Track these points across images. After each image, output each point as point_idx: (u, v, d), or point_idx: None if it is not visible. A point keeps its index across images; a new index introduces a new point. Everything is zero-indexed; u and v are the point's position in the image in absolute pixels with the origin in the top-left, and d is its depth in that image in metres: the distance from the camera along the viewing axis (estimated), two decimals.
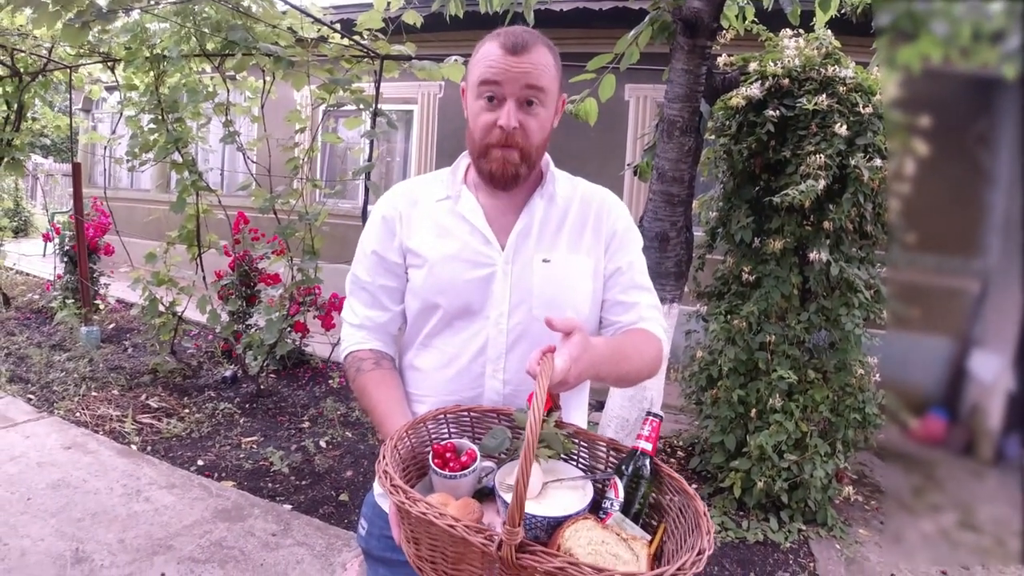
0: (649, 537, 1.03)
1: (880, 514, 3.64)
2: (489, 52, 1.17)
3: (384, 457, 1.00)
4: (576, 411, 1.38)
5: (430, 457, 1.10)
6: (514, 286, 1.23)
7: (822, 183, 3.04)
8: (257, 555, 2.78)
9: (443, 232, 1.26)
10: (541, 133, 1.21)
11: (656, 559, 1.03)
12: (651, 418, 1.14)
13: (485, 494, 1.11)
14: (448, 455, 1.10)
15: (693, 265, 3.38)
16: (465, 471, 1.07)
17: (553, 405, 1.18)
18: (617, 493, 1.07)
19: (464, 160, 1.32)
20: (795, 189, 3.04)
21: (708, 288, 3.79)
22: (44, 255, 9.19)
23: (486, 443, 1.15)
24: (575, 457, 1.23)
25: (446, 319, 1.26)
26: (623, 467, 1.10)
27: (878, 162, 3.08)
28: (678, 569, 0.84)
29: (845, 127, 3.09)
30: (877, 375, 3.42)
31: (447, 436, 1.23)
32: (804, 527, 3.39)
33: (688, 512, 1.03)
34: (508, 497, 1.01)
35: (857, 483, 3.81)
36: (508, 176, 1.21)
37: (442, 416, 1.22)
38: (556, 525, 0.98)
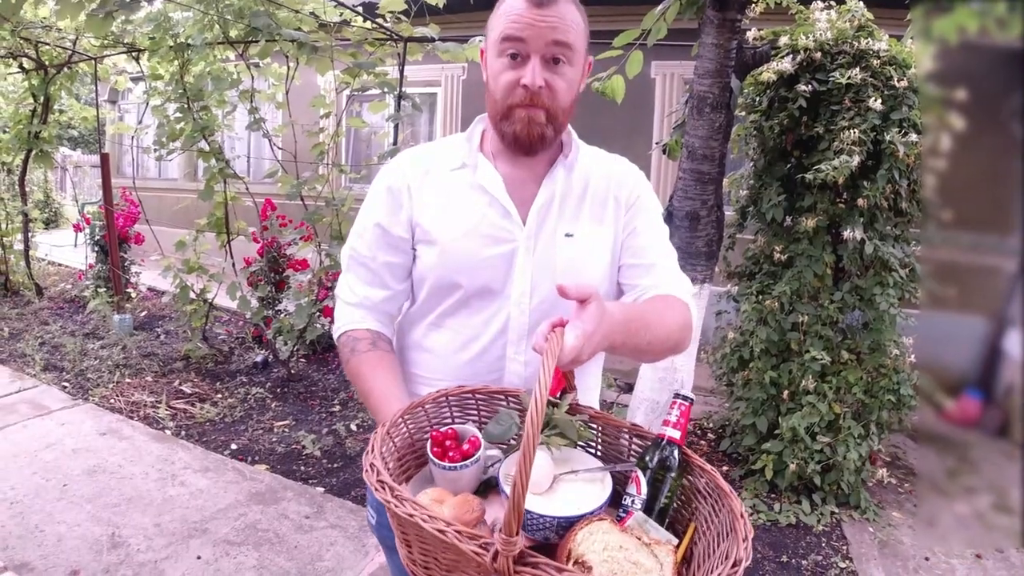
0: (676, 541, 0.93)
1: (914, 497, 3.58)
2: (512, 6, 1.08)
3: (372, 448, 0.90)
4: (590, 390, 1.31)
5: (428, 446, 1.01)
6: (537, 263, 1.15)
7: (856, 159, 2.96)
8: (291, 537, 2.81)
9: (458, 205, 1.17)
10: (568, 94, 1.11)
11: (685, 564, 0.93)
12: (679, 401, 1.01)
13: (492, 486, 1.03)
14: (448, 443, 1.01)
15: (723, 244, 3.33)
16: (466, 461, 0.98)
17: (567, 386, 1.09)
18: (639, 488, 0.97)
19: (479, 126, 1.23)
20: (828, 165, 2.97)
21: (739, 268, 3.73)
22: (75, 245, 9.34)
23: (490, 430, 1.05)
24: (593, 445, 1.13)
25: (463, 299, 1.17)
26: (646, 458, 0.99)
27: (913, 137, 2.99)
28: None
29: (879, 101, 3.00)
30: (912, 355, 3.35)
31: (449, 421, 1.13)
32: (837, 510, 3.34)
33: (722, 511, 0.92)
34: None
35: (890, 465, 3.75)
36: (534, 137, 1.11)
37: (443, 398, 1.11)
38: (568, 526, 0.89)
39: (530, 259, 1.16)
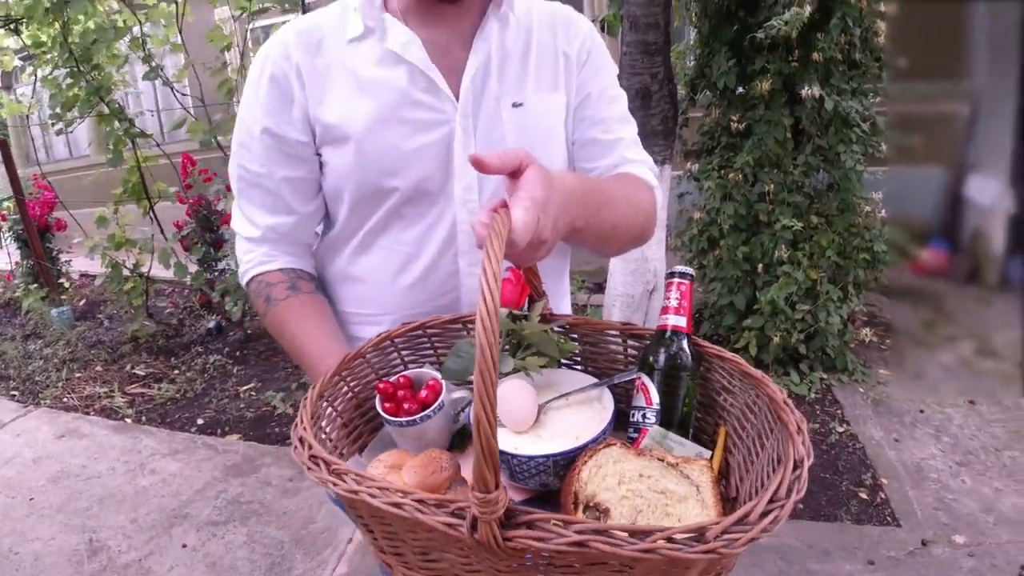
0: (708, 454, 0.77)
1: (896, 353, 3.58)
2: None
3: (301, 420, 0.71)
4: (560, 297, 1.11)
5: (377, 402, 0.84)
6: (481, 146, 0.93)
7: (808, 8, 2.76)
8: (278, 504, 2.68)
9: (368, 84, 0.91)
10: None
11: (722, 479, 0.77)
12: (677, 280, 0.83)
13: (469, 435, 0.86)
14: (401, 393, 0.84)
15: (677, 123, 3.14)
16: (427, 411, 0.80)
17: (533, 292, 0.90)
18: (648, 398, 0.80)
19: None
20: (779, 20, 2.77)
21: (695, 145, 3.57)
22: (2, 247, 8.78)
23: (449, 366, 0.88)
24: (580, 359, 0.95)
25: (394, 208, 0.95)
26: (650, 358, 0.82)
27: None
28: (771, 503, 0.54)
29: None
30: (883, 211, 3.27)
31: (401, 367, 0.94)
32: (825, 376, 3.34)
33: (758, 403, 0.75)
34: None
35: (868, 324, 3.74)
36: None
37: (387, 342, 0.91)
38: (567, 464, 0.73)
39: (471, 142, 0.93)
